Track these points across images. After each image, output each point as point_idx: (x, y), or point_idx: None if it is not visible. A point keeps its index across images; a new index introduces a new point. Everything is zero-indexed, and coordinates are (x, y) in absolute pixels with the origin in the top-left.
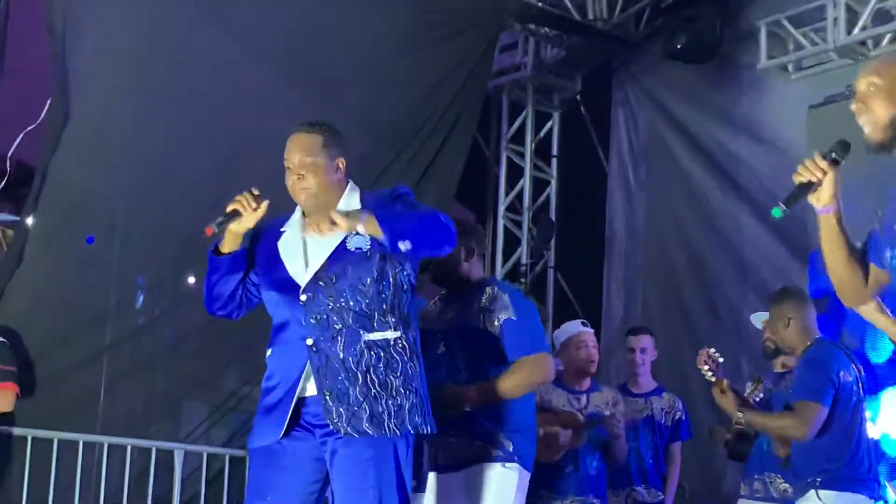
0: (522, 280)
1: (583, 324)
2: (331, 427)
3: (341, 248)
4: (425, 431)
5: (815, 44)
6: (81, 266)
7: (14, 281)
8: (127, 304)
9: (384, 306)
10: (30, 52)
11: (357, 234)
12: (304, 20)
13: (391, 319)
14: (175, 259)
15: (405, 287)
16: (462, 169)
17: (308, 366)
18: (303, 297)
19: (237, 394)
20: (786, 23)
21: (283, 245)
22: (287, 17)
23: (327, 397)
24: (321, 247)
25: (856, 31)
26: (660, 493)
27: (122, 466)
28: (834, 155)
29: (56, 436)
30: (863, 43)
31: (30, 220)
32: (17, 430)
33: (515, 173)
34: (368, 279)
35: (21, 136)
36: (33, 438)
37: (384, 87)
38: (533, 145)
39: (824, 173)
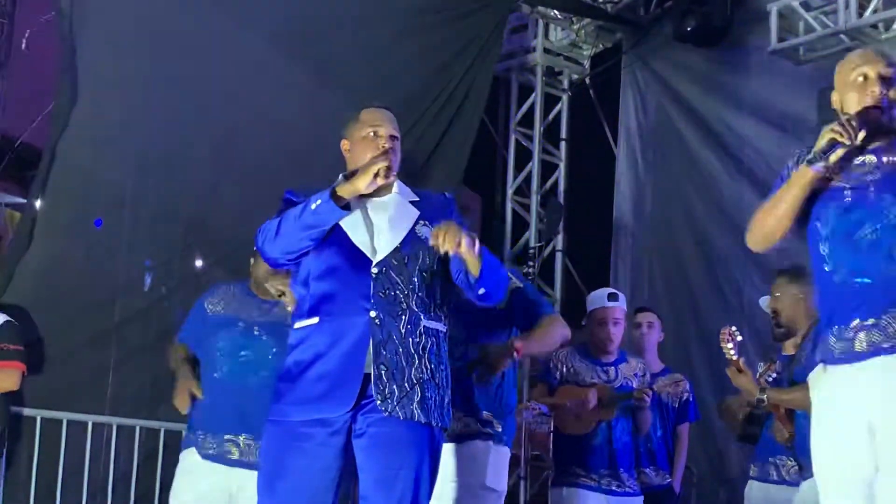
0: (531, 263)
1: (610, 297)
2: (379, 404)
3: (412, 232)
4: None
5: (826, 26)
6: (89, 247)
7: (23, 262)
8: (135, 285)
9: (438, 299)
10: (38, 35)
11: (424, 225)
12: (309, 1)
13: (440, 313)
14: (182, 239)
15: (452, 287)
16: (469, 152)
17: (367, 341)
18: (374, 271)
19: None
20: (796, 5)
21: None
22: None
23: (383, 372)
24: (394, 227)
25: (867, 13)
26: (668, 475)
27: (130, 447)
28: (862, 130)
29: (65, 416)
30: (874, 26)
31: (38, 203)
32: (26, 411)
33: (524, 156)
34: (432, 269)
35: (37, 120)
36: (42, 419)
37: (391, 68)
38: (541, 128)
39: (855, 138)
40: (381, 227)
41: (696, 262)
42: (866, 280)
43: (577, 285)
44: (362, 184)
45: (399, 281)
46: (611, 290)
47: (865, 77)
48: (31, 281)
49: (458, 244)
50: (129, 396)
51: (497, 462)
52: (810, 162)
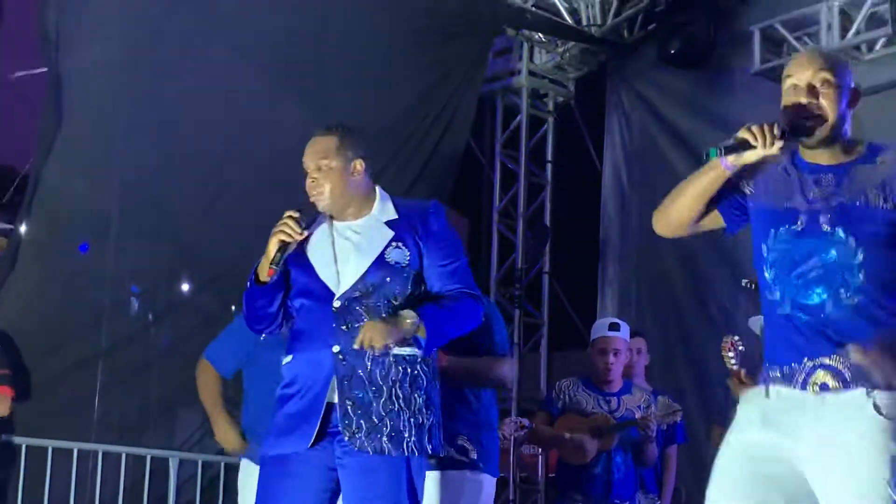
0: (517, 285)
1: (611, 326)
2: (346, 439)
3: (380, 258)
4: (440, 454)
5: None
6: (74, 272)
7: (7, 288)
8: (120, 310)
9: None
10: (23, 60)
11: (397, 247)
12: (295, 26)
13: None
14: (168, 264)
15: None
16: (456, 174)
17: (333, 375)
18: (336, 304)
19: (232, 401)
20: (780, 27)
21: (312, 249)
22: (278, 24)
23: (349, 407)
24: (360, 255)
25: (849, 35)
26: (657, 498)
27: (116, 474)
28: (786, 135)
29: (50, 444)
30: (857, 47)
31: (22, 227)
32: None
33: (510, 178)
34: (403, 294)
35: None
36: (27, 447)
37: (377, 91)
38: (527, 150)
39: (769, 145)
40: (347, 255)
41: (682, 282)
42: (810, 317)
43: (563, 307)
44: (262, 272)
45: (363, 312)
46: (613, 319)
47: (795, 87)
48: (15, 306)
49: (378, 348)
50: (115, 423)
51: (473, 492)
52: (723, 151)
